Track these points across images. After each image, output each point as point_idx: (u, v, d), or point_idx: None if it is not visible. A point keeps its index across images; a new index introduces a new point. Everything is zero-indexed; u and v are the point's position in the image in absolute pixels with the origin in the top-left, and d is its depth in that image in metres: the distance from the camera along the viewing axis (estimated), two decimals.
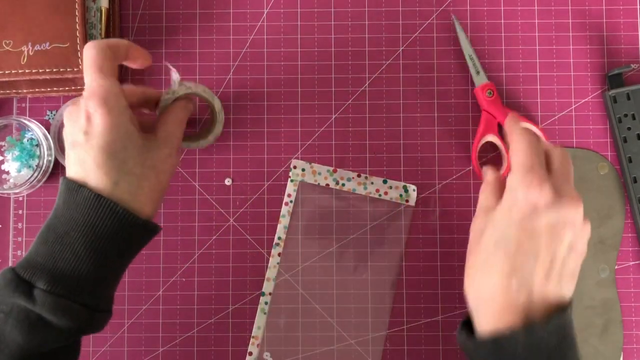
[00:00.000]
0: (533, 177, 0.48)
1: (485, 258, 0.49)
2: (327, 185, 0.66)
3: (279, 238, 0.66)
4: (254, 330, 0.65)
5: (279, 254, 0.66)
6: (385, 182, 0.66)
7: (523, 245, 0.47)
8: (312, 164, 0.66)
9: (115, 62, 0.52)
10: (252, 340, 0.65)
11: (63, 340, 0.49)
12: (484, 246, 0.49)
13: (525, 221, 0.48)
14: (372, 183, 0.66)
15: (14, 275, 0.48)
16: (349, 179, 0.66)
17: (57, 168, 0.67)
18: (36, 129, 0.66)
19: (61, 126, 0.67)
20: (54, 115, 0.68)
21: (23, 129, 0.67)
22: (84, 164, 0.49)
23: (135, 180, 0.50)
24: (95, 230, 0.48)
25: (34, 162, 0.66)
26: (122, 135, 0.49)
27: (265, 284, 0.65)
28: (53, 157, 0.66)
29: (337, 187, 0.66)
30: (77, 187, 0.49)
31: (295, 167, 0.66)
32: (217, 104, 0.63)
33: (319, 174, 0.66)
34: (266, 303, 0.65)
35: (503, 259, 0.48)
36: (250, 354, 0.65)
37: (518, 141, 0.51)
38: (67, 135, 0.51)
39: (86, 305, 0.49)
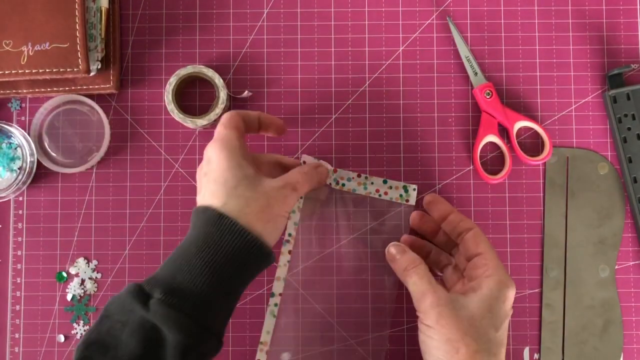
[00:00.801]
0: (510, 280, 0.57)
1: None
2: (329, 185, 0.66)
3: (289, 235, 0.65)
4: (262, 335, 0.64)
5: (289, 252, 0.65)
6: (385, 182, 0.66)
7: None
8: (321, 161, 0.65)
9: (241, 123, 0.58)
10: (260, 346, 0.64)
11: (179, 357, 0.49)
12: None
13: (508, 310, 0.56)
14: (372, 183, 0.66)
15: (136, 287, 0.51)
16: (349, 179, 0.66)
17: (41, 168, 0.67)
18: (16, 132, 0.66)
19: (42, 126, 0.67)
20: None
21: (1, 133, 0.67)
22: (204, 196, 0.55)
23: (243, 201, 0.53)
24: (209, 243, 0.52)
25: (16, 165, 0.66)
26: (233, 166, 0.55)
27: (275, 283, 0.64)
28: (35, 157, 0.66)
29: (337, 187, 0.66)
30: (197, 210, 0.55)
31: (304, 163, 0.66)
32: (220, 84, 0.66)
33: None
34: (276, 305, 0.65)
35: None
36: None
37: (491, 250, 0.58)
38: (198, 179, 0.58)
39: (196, 322, 0.50)
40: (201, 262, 0.51)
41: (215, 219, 0.52)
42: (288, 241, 0.65)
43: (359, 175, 0.66)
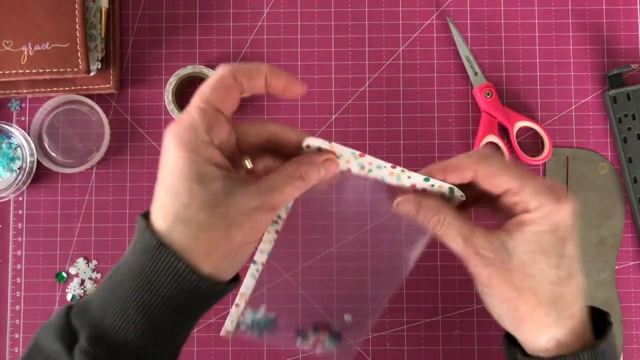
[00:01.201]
0: (556, 196, 0.45)
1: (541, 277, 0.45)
2: (349, 170, 0.50)
3: (279, 217, 0.53)
4: (242, 288, 0.54)
5: (277, 231, 0.53)
6: (427, 179, 0.49)
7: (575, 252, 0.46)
8: (333, 143, 0.47)
9: (230, 95, 0.43)
10: (240, 295, 0.55)
11: None
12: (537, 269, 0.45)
13: (569, 231, 0.45)
14: (409, 177, 0.49)
15: (65, 319, 0.42)
16: (379, 167, 0.50)
17: (41, 168, 0.67)
18: (16, 132, 0.66)
19: (42, 126, 0.67)
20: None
21: (1, 133, 0.67)
22: (154, 202, 0.42)
23: (193, 228, 0.41)
24: (144, 281, 0.41)
25: (16, 165, 0.66)
26: (190, 175, 0.41)
27: (257, 254, 0.54)
28: (35, 157, 0.66)
29: (362, 172, 0.50)
30: (140, 223, 0.42)
31: (308, 147, 0.47)
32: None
33: (341, 156, 0.49)
34: (257, 270, 0.54)
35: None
36: (237, 305, 0.55)
37: (511, 175, 0.46)
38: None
39: None
40: (134, 306, 0.40)
41: (153, 249, 0.40)
42: (276, 222, 0.53)
43: (393, 167, 0.49)
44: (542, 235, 0.44)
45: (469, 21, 0.68)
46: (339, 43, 0.68)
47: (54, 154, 0.67)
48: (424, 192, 0.49)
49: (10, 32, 0.63)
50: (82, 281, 0.67)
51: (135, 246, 0.42)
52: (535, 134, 0.67)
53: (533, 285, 0.44)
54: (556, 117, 0.68)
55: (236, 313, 0.56)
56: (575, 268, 0.45)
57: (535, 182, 0.45)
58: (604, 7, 0.68)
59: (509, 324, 0.46)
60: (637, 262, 0.66)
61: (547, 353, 0.45)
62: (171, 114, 0.65)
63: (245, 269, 0.50)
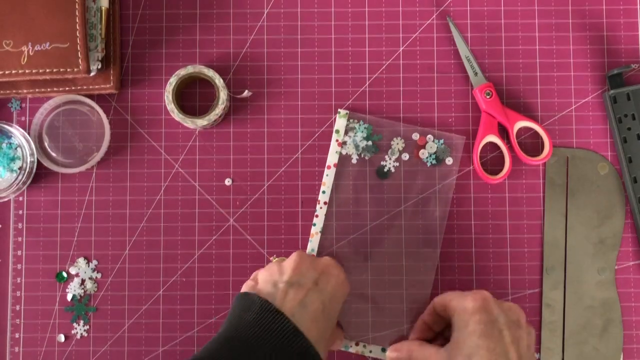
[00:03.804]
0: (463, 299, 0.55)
1: None
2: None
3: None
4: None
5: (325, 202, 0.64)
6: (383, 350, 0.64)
7: (495, 350, 0.52)
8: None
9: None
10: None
11: None
12: None
13: (489, 329, 0.53)
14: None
15: None
16: None
17: (41, 168, 0.67)
18: (16, 132, 0.66)
19: (42, 126, 0.67)
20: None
21: (1, 133, 0.67)
22: (304, 307, 0.53)
23: (327, 334, 0.55)
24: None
25: (17, 165, 0.66)
26: (341, 298, 0.56)
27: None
28: (35, 157, 0.66)
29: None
30: (285, 323, 0.51)
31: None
32: (220, 84, 0.65)
33: None
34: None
35: None
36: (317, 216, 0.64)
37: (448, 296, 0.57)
38: (283, 271, 0.55)
39: None
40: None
41: (305, 352, 0.51)
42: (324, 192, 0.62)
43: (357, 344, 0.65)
44: (456, 333, 0.54)
45: (469, 21, 0.68)
46: (339, 43, 0.68)
47: (54, 154, 0.67)
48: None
49: (10, 32, 0.63)
50: (83, 281, 0.67)
51: (270, 329, 0.51)
52: (535, 134, 0.67)
53: None
54: (556, 117, 0.68)
55: None
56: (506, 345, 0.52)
57: (459, 296, 0.56)
58: (604, 7, 0.69)
59: None
60: (637, 262, 0.66)
61: None
62: (171, 113, 0.65)
63: None
